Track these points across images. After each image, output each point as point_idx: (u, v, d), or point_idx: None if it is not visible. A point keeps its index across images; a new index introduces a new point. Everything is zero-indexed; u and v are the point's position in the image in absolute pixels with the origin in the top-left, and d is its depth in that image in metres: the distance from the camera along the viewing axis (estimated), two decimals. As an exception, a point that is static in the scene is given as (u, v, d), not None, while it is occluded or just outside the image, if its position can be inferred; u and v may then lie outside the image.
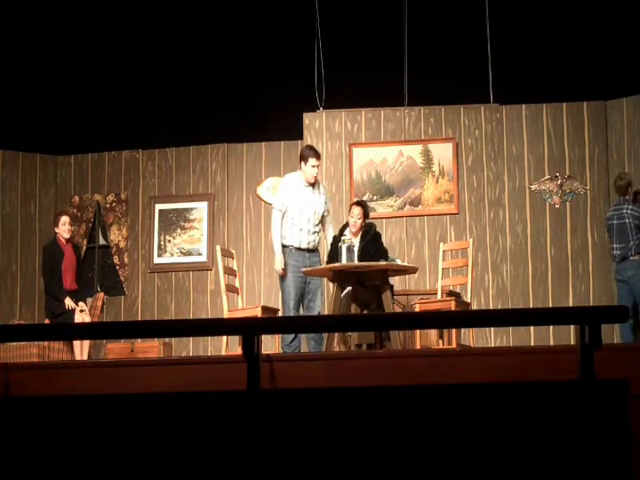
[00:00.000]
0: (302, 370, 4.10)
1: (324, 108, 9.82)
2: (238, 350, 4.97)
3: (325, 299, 9.25)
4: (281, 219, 7.92)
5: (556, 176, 9.52)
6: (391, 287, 7.63)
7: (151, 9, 9.94)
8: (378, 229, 8.14)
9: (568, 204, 9.49)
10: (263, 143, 10.44)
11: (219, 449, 3.76)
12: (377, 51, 9.62)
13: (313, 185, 8.01)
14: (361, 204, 8.10)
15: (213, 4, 9.90)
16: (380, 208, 9.60)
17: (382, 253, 7.86)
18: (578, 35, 9.36)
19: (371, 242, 7.89)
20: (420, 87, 9.62)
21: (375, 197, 9.63)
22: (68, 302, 8.41)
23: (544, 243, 9.43)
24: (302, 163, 7.99)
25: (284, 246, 7.88)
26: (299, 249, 7.86)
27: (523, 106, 9.65)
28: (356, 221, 7.87)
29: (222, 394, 3.87)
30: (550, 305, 9.14)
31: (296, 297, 7.75)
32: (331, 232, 8.09)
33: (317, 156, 8.01)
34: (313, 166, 7.93)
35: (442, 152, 9.63)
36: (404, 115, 9.76)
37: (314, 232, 7.94)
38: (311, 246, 7.92)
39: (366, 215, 7.99)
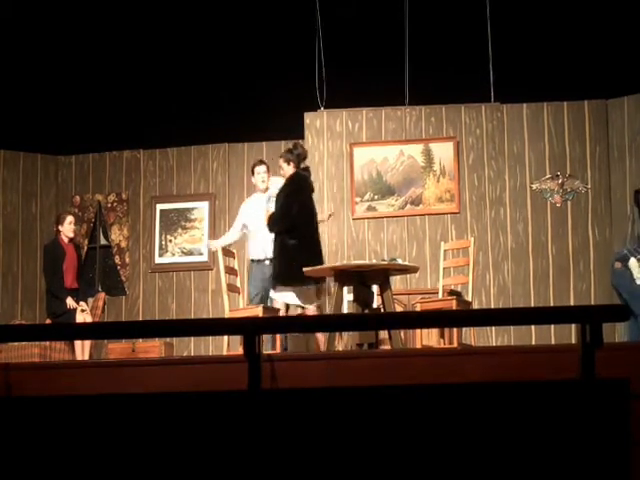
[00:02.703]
0: (303, 370, 4.10)
1: (325, 107, 9.83)
2: (239, 350, 4.97)
3: (326, 298, 9.26)
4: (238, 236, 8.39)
5: (557, 175, 9.52)
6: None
7: (152, 9, 9.94)
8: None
9: (569, 203, 9.49)
10: (264, 143, 10.44)
11: (220, 449, 3.76)
12: (378, 50, 9.61)
13: (266, 191, 8.09)
14: (283, 152, 7.73)
15: (213, 4, 9.89)
16: (381, 207, 9.60)
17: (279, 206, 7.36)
18: (579, 34, 9.36)
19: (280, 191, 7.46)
20: (421, 86, 9.62)
21: (376, 196, 9.63)
22: (69, 301, 8.43)
23: (545, 242, 9.43)
24: (252, 177, 8.31)
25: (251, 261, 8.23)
26: (257, 261, 8.07)
27: (524, 105, 9.65)
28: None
29: (223, 394, 3.87)
30: (551, 304, 9.14)
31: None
32: None
33: (261, 163, 8.23)
34: (258, 173, 8.14)
35: (443, 151, 9.63)
36: (405, 114, 9.76)
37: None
38: (270, 255, 7.74)
39: (294, 162, 7.44)
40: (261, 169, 8.11)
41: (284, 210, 7.31)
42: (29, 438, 3.83)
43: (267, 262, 7.92)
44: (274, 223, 7.40)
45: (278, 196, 7.47)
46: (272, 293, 7.58)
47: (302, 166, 7.50)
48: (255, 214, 8.11)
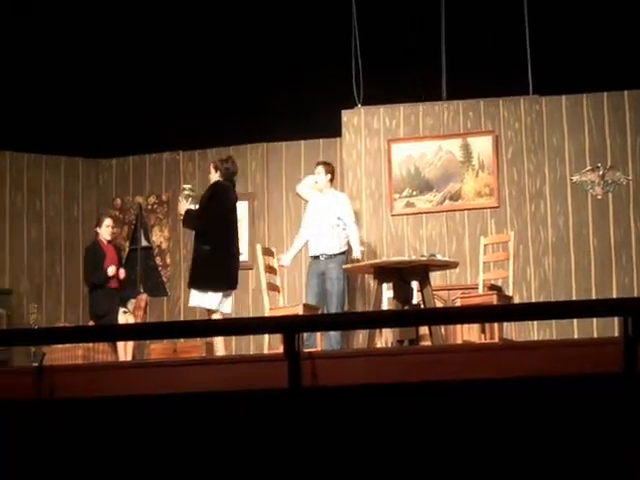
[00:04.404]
0: (344, 367, 4.09)
1: (362, 104, 9.81)
2: (280, 348, 4.98)
3: (365, 295, 9.29)
4: None
5: (597, 167, 9.42)
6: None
7: (188, 9, 9.98)
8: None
9: (610, 195, 9.38)
10: (302, 141, 10.45)
11: (261, 447, 3.78)
12: (414, 46, 9.57)
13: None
14: (215, 159, 8.24)
15: (248, 2, 9.91)
16: (420, 203, 9.56)
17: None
18: (617, 23, 9.25)
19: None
20: (458, 81, 9.57)
21: (414, 192, 9.59)
22: (111, 270, 8.55)
23: (586, 235, 9.33)
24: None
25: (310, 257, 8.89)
26: (313, 257, 8.78)
27: (563, 97, 9.56)
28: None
29: (264, 393, 3.88)
30: (593, 297, 9.04)
31: None
32: None
33: (320, 164, 8.93)
34: (314, 174, 8.84)
35: (482, 145, 9.58)
36: (443, 109, 9.72)
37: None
38: (324, 251, 8.72)
39: (222, 172, 7.90)
40: (317, 170, 8.78)
41: (199, 212, 7.74)
42: (72, 440, 3.88)
43: (322, 258, 8.53)
44: (188, 220, 7.80)
45: (201, 198, 7.86)
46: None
47: (230, 179, 7.93)
48: (313, 213, 8.71)
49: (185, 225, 8.00)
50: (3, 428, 3.96)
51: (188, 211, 7.81)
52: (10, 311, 9.98)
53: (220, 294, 7.65)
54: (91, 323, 8.62)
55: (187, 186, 8.03)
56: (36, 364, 4.19)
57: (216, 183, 7.88)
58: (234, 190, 7.98)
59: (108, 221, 8.92)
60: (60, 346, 8.19)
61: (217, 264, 7.58)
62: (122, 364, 5.53)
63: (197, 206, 7.81)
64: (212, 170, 7.94)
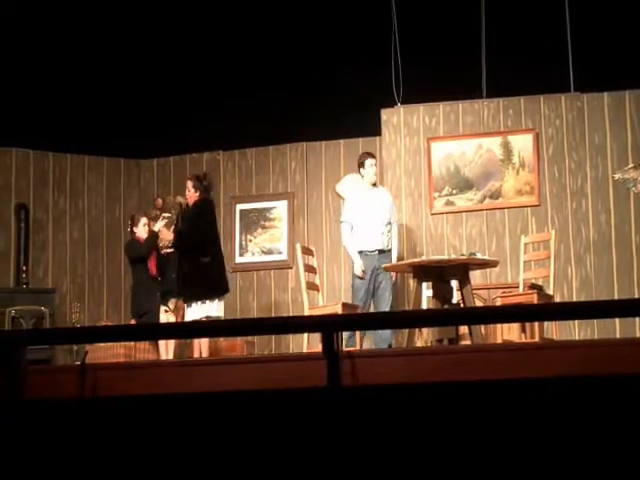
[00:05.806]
0: (383, 366, 4.09)
1: (402, 103, 9.79)
2: (320, 347, 4.99)
3: (405, 294, 9.26)
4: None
5: (640, 164, 9.33)
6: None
7: (230, 9, 10.02)
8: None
9: (653, 192, 9.29)
10: (341, 140, 10.46)
11: (301, 446, 3.79)
12: (454, 44, 9.54)
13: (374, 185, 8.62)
14: (193, 177, 8.37)
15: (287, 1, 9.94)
16: (460, 202, 9.53)
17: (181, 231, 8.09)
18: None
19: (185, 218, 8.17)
20: (498, 78, 9.51)
21: (454, 191, 9.56)
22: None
23: (628, 232, 9.23)
24: (362, 170, 8.58)
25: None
26: (360, 252, 8.41)
27: (605, 94, 9.47)
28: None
29: (303, 391, 3.90)
30: (635, 296, 8.95)
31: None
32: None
33: (372, 156, 8.67)
34: (371, 166, 8.55)
35: (522, 143, 9.52)
36: (482, 107, 9.67)
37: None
38: (376, 247, 8.37)
39: (201, 190, 8.14)
40: (371, 162, 8.60)
41: (193, 227, 8.07)
42: (115, 437, 3.92)
43: (375, 254, 8.33)
44: (184, 239, 8.11)
45: (186, 215, 8.26)
46: (189, 310, 8.00)
47: (209, 194, 8.30)
48: (361, 207, 8.47)
49: (180, 244, 8.21)
50: (46, 426, 4.01)
51: (178, 233, 8.21)
52: (53, 310, 10.10)
53: (220, 300, 8.00)
54: (133, 322, 8.70)
55: (167, 215, 8.70)
56: (79, 362, 4.24)
57: (203, 200, 8.21)
58: (214, 203, 8.43)
59: (144, 220, 8.99)
60: (102, 345, 8.27)
61: (217, 273, 8.00)
62: (163, 363, 5.57)
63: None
64: (192, 189, 8.22)
